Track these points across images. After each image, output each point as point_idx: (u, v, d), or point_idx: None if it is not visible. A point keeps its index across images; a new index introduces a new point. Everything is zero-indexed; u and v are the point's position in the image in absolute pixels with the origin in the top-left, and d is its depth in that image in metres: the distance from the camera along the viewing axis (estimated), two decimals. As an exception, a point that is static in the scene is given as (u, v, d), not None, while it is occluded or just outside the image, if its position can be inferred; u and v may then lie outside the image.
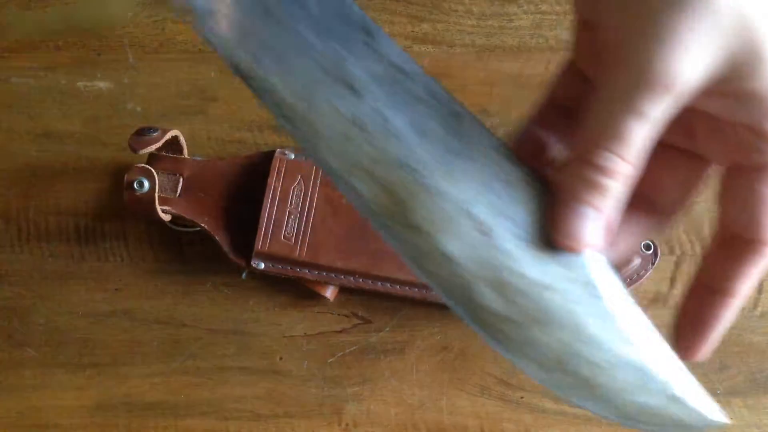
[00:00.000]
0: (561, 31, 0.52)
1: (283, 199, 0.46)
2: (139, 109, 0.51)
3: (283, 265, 0.46)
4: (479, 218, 0.27)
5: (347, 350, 0.48)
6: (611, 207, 0.25)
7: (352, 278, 0.46)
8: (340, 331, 0.49)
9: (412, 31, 0.52)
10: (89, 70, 0.51)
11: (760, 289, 0.49)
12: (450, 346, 0.48)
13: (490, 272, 0.27)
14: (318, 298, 0.48)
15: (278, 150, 0.47)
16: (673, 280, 0.49)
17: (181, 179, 0.48)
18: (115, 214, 0.50)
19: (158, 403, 0.48)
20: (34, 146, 0.51)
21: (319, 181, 0.47)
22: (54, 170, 0.50)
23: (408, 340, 0.48)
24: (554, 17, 0.52)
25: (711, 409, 0.29)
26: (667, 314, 0.48)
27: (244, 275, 0.49)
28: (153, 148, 0.45)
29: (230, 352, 0.48)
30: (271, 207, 0.46)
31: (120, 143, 0.50)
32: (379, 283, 0.47)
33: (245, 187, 0.48)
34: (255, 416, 0.48)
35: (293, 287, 0.48)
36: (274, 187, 0.46)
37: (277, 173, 0.47)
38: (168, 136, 0.46)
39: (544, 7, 0.52)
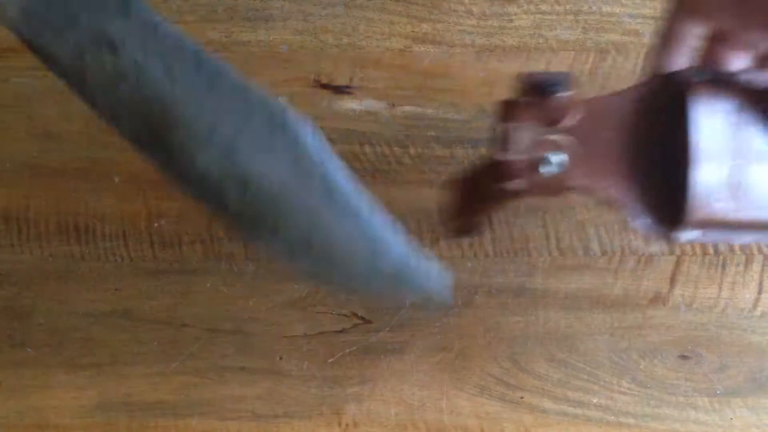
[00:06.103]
0: (561, 32, 0.52)
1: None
2: (139, 109, 0.51)
3: (721, 231, 0.35)
4: (225, 134, 0.32)
5: (347, 350, 0.48)
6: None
7: None
8: (340, 331, 0.49)
9: (412, 31, 0.52)
10: (89, 70, 0.51)
11: (760, 289, 0.49)
12: (450, 346, 0.48)
13: (236, 175, 0.32)
14: (317, 296, 0.48)
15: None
16: (673, 280, 0.49)
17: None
18: (115, 214, 0.50)
19: (158, 403, 0.48)
20: (34, 146, 0.50)
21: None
22: (54, 170, 0.50)
23: (408, 340, 0.48)
24: (554, 17, 0.52)
25: (437, 270, 0.34)
26: (667, 314, 0.48)
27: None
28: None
29: (230, 352, 0.48)
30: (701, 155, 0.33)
31: (120, 143, 0.50)
32: None
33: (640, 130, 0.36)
34: (255, 416, 0.48)
35: (293, 287, 0.48)
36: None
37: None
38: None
39: (544, 7, 0.52)
